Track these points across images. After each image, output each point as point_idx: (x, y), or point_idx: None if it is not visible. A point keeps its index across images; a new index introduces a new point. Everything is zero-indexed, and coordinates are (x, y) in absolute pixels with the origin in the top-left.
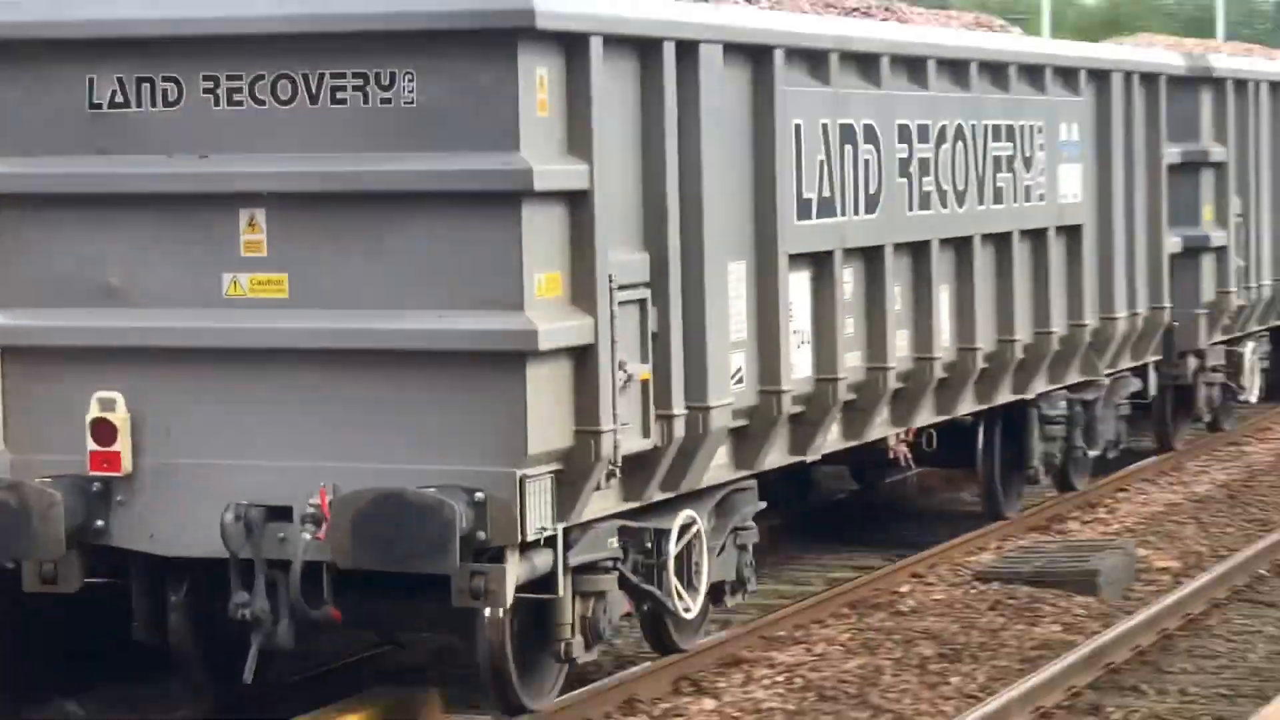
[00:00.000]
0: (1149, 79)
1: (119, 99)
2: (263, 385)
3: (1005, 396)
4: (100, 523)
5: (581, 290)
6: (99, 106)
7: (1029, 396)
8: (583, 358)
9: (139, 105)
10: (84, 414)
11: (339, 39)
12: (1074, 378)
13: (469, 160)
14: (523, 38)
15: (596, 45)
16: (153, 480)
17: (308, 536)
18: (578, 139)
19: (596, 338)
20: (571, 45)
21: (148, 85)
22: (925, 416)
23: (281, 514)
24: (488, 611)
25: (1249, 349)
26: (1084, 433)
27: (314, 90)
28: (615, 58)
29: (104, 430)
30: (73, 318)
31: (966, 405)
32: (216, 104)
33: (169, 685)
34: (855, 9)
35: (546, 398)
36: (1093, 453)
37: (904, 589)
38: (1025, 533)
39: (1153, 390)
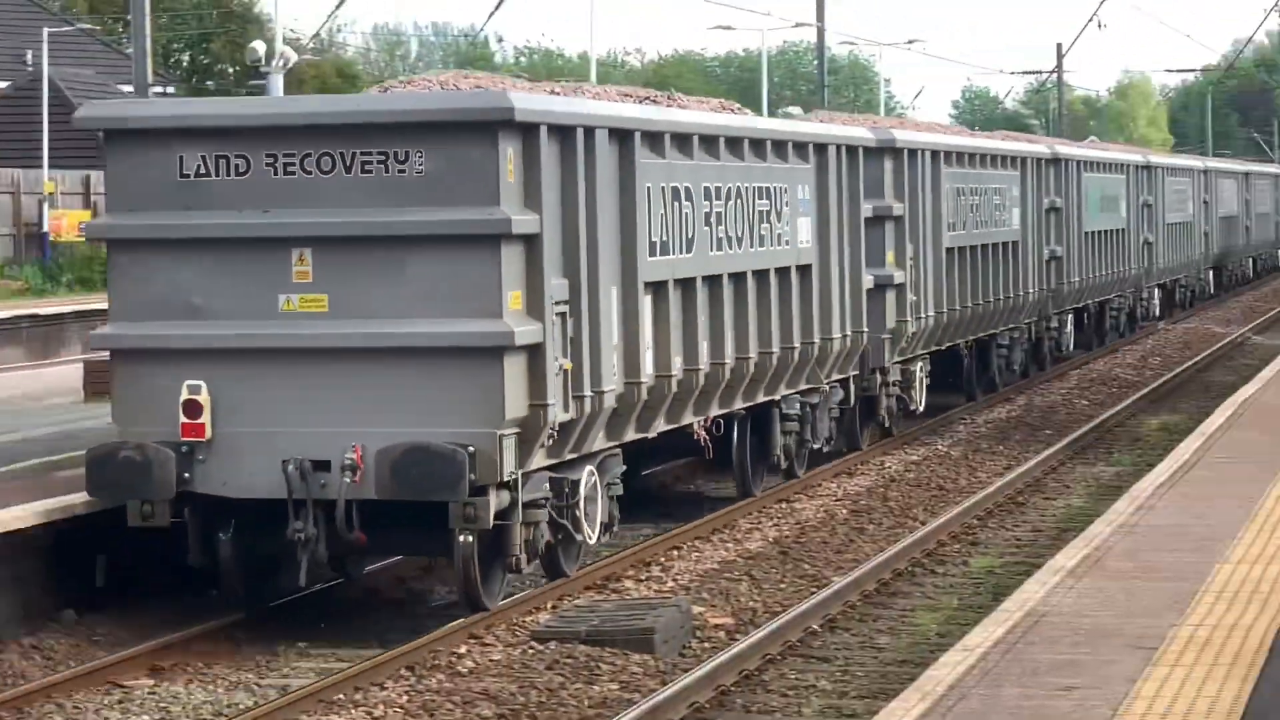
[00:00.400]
0: (851, 150)
1: (202, 170)
2: (309, 374)
3: (763, 396)
4: (186, 475)
5: (534, 305)
6: (187, 176)
7: (776, 398)
8: (534, 353)
9: (216, 175)
10: (176, 396)
11: (367, 127)
12: (804, 385)
13: (463, 212)
14: (501, 127)
15: (544, 131)
16: (226, 443)
17: (347, 480)
18: (531, 197)
19: (544, 338)
20: (527, 131)
21: (224, 160)
22: (716, 409)
23: (323, 466)
24: (462, 538)
25: (918, 368)
26: (810, 429)
27: (348, 164)
28: (551, 140)
29: (193, 408)
30: (168, 328)
31: (739, 403)
32: (275, 174)
33: (212, 598)
34: (646, 98)
35: (514, 380)
36: (814, 445)
37: (462, 649)
38: (581, 591)
39: (853, 399)
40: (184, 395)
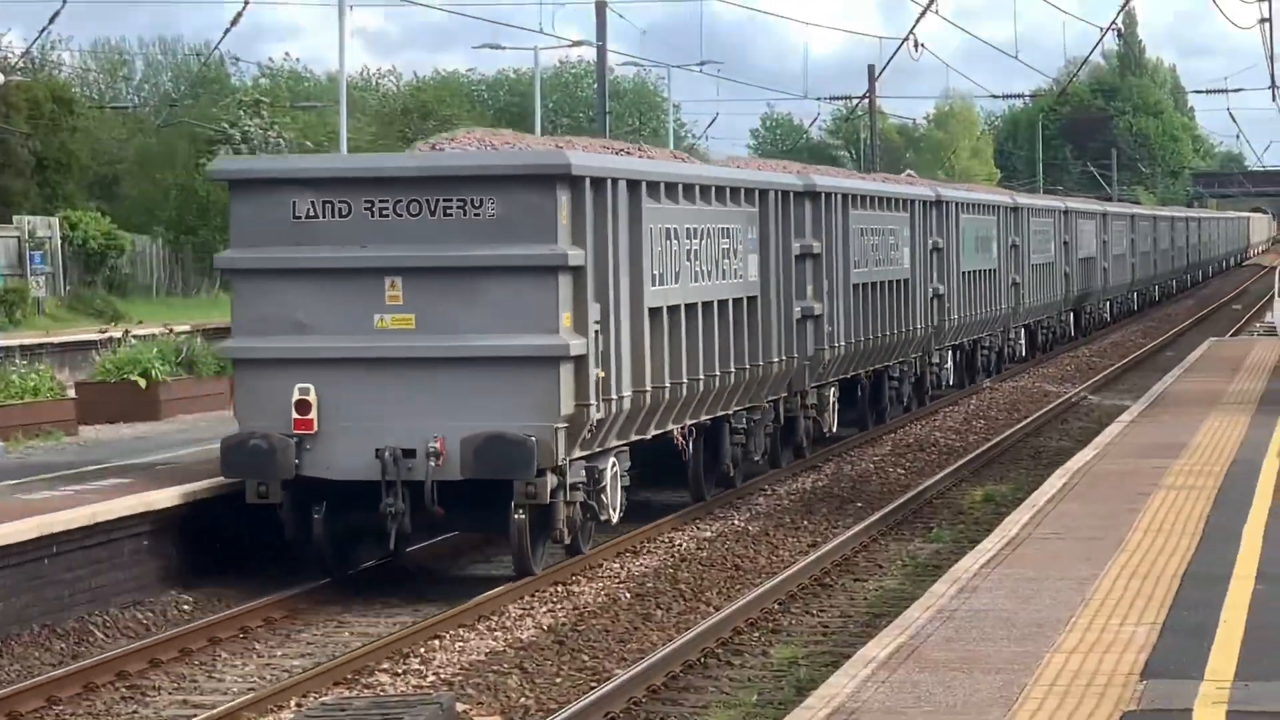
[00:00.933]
0: (784, 194)
1: (311, 214)
2: (399, 380)
3: (720, 410)
4: (297, 461)
5: (579, 323)
6: (299, 218)
7: (728, 413)
8: (580, 363)
9: (323, 217)
10: (289, 397)
11: (447, 179)
12: (749, 402)
13: (529, 249)
14: (558, 180)
15: (587, 182)
16: (330, 435)
17: (432, 464)
18: (578, 236)
19: (587, 351)
20: (575, 182)
21: (329, 205)
22: (689, 419)
23: (410, 454)
24: (518, 515)
25: (831, 392)
26: (753, 442)
27: (433, 209)
28: (591, 190)
29: (303, 406)
30: (281, 341)
31: (704, 414)
32: (372, 216)
33: (303, 569)
34: (621, 149)
35: (566, 384)
36: (755, 456)
37: None
38: (330, 688)
39: (781, 418)
40: (296, 396)
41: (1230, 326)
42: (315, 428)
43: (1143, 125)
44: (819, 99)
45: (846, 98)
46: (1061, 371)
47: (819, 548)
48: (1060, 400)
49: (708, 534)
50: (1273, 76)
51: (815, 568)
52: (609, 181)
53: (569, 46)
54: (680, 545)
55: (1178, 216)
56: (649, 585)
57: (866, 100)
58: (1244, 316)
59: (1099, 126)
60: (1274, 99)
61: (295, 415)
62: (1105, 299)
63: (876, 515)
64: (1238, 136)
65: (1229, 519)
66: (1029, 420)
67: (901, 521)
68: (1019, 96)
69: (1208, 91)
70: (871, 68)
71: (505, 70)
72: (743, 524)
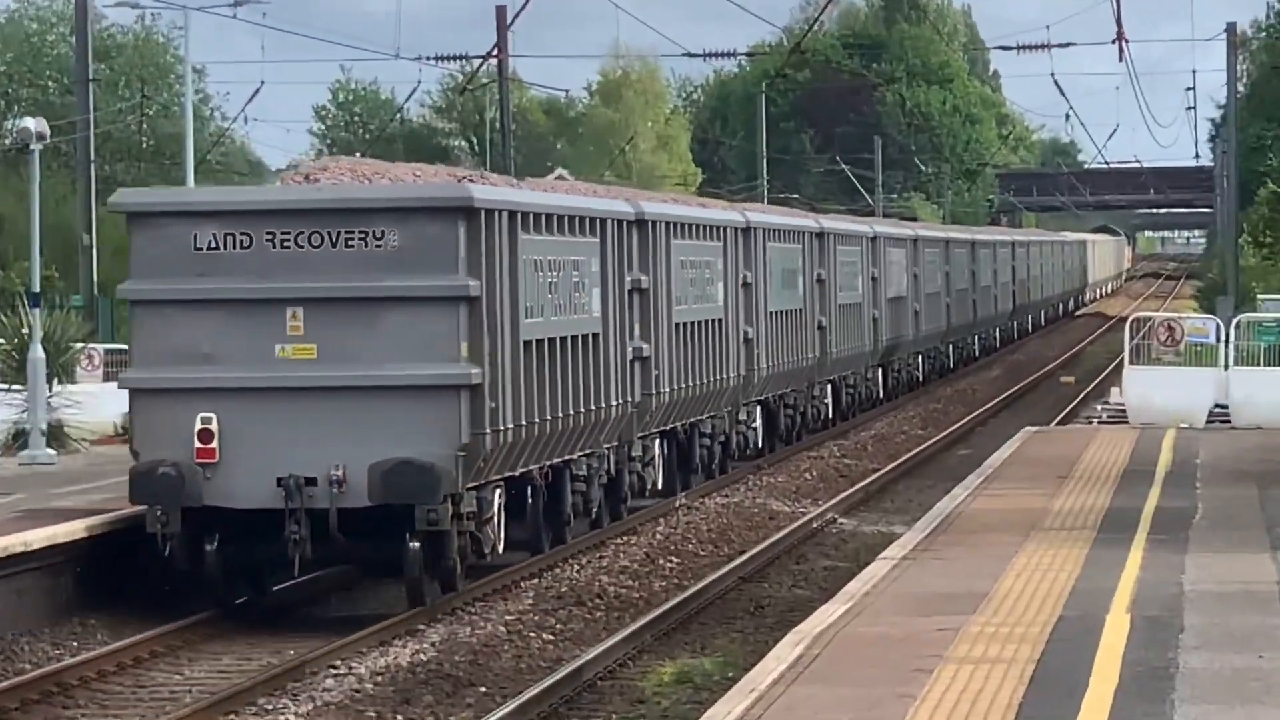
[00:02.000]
0: (619, 223)
1: (213, 245)
2: (301, 408)
3: (568, 454)
4: (198, 490)
5: (475, 354)
6: (200, 249)
7: (573, 457)
8: (476, 392)
9: (225, 248)
10: (192, 427)
11: (350, 211)
12: (589, 449)
13: (429, 279)
14: (460, 212)
15: (482, 215)
16: (232, 463)
17: (335, 491)
18: (474, 267)
19: (483, 381)
20: (472, 215)
21: (230, 236)
22: (550, 458)
23: (311, 482)
24: (414, 545)
25: (657, 444)
26: (592, 491)
27: (334, 240)
28: (484, 221)
29: (205, 435)
30: (184, 371)
31: (558, 456)
32: (274, 248)
33: (193, 599)
34: (464, 176)
35: (464, 412)
36: (593, 508)
37: None
38: None
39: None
40: (199, 425)
41: (1055, 411)
42: (218, 456)
43: (921, 99)
44: (420, 59)
45: (462, 57)
46: (796, 481)
47: None
48: (796, 525)
49: None
50: (1119, 20)
51: None
52: (497, 213)
53: None
54: None
55: (981, 240)
56: None
57: (494, 62)
58: (1078, 395)
59: (854, 102)
60: (1121, 57)
61: (198, 444)
62: (916, 351)
63: (509, 707)
64: (1067, 117)
65: (1055, 710)
66: (748, 556)
67: (550, 715)
68: (729, 55)
69: (1019, 48)
70: (501, 11)
71: None
72: None
